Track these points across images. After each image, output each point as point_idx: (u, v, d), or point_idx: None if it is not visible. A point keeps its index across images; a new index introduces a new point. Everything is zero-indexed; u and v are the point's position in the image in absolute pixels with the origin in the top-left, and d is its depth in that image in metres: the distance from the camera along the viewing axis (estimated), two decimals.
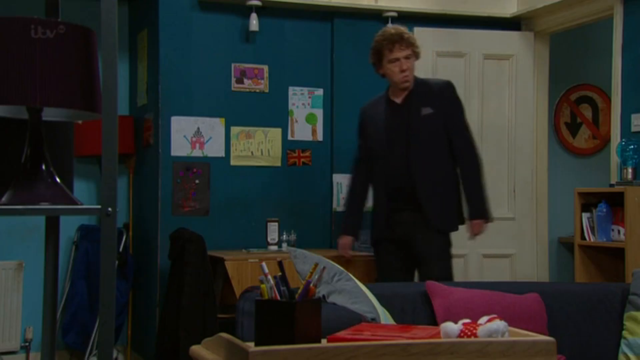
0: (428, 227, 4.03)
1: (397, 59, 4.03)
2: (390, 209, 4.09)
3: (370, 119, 4.20)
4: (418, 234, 4.04)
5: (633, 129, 4.62)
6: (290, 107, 5.21)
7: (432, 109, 4.05)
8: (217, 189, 5.03)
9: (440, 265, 4.04)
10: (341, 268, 2.67)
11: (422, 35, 5.30)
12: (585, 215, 4.49)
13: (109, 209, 1.60)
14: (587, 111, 6.57)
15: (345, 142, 5.11)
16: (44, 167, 1.69)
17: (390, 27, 4.19)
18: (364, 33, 5.27)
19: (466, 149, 4.11)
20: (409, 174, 4.02)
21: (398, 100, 4.12)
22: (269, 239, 4.84)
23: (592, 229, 4.45)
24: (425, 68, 5.29)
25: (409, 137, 4.04)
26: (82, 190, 5.39)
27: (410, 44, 4.06)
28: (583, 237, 4.49)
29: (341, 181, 5.13)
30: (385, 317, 2.57)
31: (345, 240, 4.37)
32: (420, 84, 4.12)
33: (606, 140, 6.19)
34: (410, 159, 4.03)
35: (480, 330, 2.00)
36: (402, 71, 4.03)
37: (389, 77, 4.10)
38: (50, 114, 1.74)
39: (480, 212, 4.14)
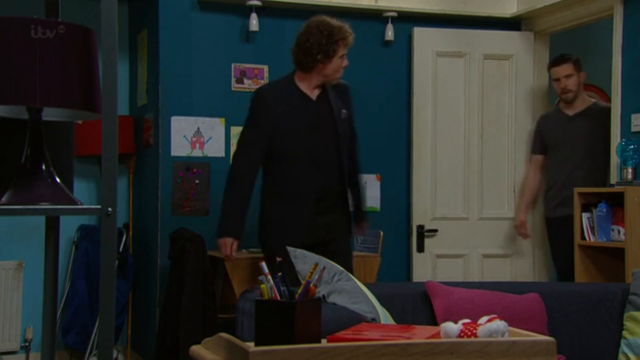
0: (344, 227, 4.02)
1: (343, 56, 3.91)
2: (314, 212, 3.89)
3: (279, 112, 3.87)
4: (336, 234, 3.98)
5: (633, 129, 4.63)
6: None
7: (347, 113, 4.01)
8: (217, 189, 5.02)
9: (349, 260, 4.03)
10: (341, 268, 2.68)
11: (422, 35, 5.31)
12: (585, 215, 4.49)
13: (109, 209, 1.60)
14: None
15: None
16: (44, 167, 1.69)
17: (335, 20, 3.98)
18: (364, 33, 5.27)
19: (357, 154, 4.16)
20: (341, 175, 3.96)
21: (312, 95, 3.94)
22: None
23: (592, 229, 4.45)
24: (425, 68, 5.30)
25: (338, 138, 3.95)
26: (82, 190, 5.39)
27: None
28: (583, 237, 4.49)
29: None
30: (385, 317, 2.57)
31: (228, 241, 3.92)
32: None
33: None
34: (341, 161, 3.96)
35: (480, 330, 2.00)
36: (343, 68, 3.94)
37: (329, 72, 3.89)
38: (50, 114, 1.74)
39: (365, 215, 4.22)
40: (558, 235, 4.95)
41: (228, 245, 3.91)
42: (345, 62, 3.93)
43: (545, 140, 5.11)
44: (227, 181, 3.97)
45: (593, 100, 5.13)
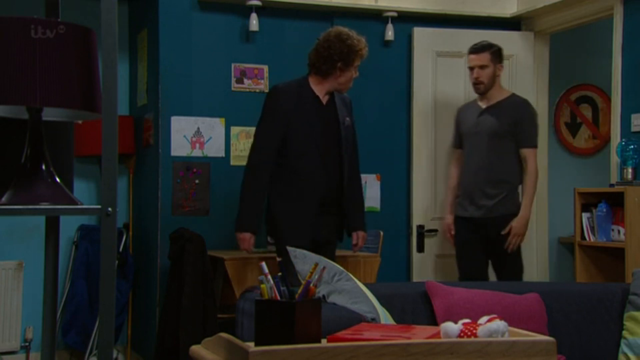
0: (338, 232, 4.19)
1: (357, 67, 4.12)
2: (318, 212, 4.03)
3: (293, 109, 4.02)
4: (332, 237, 4.16)
5: (633, 129, 4.63)
6: None
7: (350, 121, 4.18)
8: (217, 189, 5.03)
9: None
10: (341, 268, 2.68)
11: (422, 35, 5.31)
12: (585, 215, 4.49)
13: (109, 209, 1.60)
14: (587, 111, 6.57)
15: None
16: (44, 167, 1.69)
17: (354, 32, 4.16)
18: (364, 33, 5.25)
19: (358, 165, 4.28)
20: (341, 179, 4.09)
21: (323, 100, 4.12)
22: (269, 239, 4.84)
23: (592, 229, 4.45)
24: (425, 68, 5.30)
25: (340, 143, 4.10)
26: (82, 190, 5.39)
27: None
28: (583, 237, 4.49)
29: None
30: (385, 317, 2.57)
31: (247, 236, 4.06)
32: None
33: (606, 140, 6.19)
34: (342, 166, 4.09)
35: (480, 330, 2.00)
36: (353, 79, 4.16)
37: (343, 81, 4.08)
38: (50, 114, 1.74)
39: (364, 224, 4.34)
40: (457, 233, 4.70)
41: (247, 240, 4.06)
42: (357, 74, 4.13)
43: (460, 132, 4.79)
44: (244, 176, 4.12)
45: (510, 93, 4.73)
